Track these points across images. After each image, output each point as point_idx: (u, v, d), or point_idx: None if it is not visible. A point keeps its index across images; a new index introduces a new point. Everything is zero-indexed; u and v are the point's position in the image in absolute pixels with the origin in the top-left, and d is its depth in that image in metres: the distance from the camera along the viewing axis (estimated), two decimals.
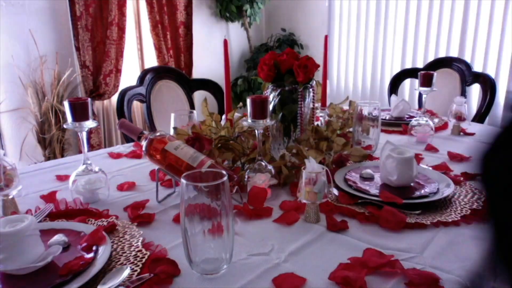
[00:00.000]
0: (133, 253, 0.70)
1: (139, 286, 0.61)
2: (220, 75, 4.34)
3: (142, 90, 1.85)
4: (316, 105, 1.35)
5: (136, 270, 0.65)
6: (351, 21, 3.56)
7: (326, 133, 1.19)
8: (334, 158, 1.10)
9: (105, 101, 2.98)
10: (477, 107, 2.14)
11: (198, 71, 3.56)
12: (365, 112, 1.23)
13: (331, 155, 1.10)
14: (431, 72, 1.38)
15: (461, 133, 1.51)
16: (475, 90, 2.84)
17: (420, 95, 2.25)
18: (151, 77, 1.89)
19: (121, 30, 2.90)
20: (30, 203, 0.94)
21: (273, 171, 0.97)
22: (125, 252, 0.70)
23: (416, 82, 1.48)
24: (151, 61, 3.28)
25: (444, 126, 1.61)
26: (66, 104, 0.88)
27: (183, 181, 0.60)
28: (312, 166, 0.80)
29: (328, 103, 1.45)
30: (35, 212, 0.87)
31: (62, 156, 2.63)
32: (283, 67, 1.17)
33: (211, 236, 0.62)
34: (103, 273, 0.64)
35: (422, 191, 0.91)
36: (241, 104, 3.58)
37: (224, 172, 0.62)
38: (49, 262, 0.63)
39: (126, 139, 1.69)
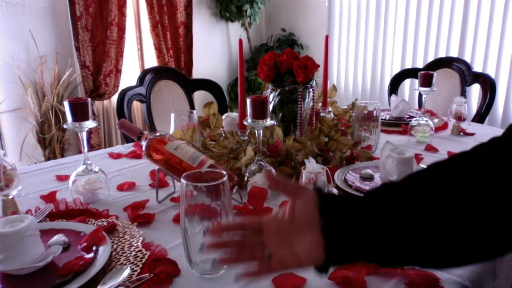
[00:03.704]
0: (133, 253, 0.70)
1: (139, 286, 0.61)
2: (220, 75, 4.34)
3: (142, 90, 1.85)
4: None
5: (136, 270, 0.65)
6: (351, 21, 3.56)
7: (331, 132, 1.20)
8: (347, 156, 1.11)
9: (105, 101, 2.98)
10: (477, 107, 2.14)
11: (198, 71, 3.56)
12: (365, 112, 1.24)
13: (334, 153, 1.11)
14: (431, 72, 1.38)
15: (461, 133, 1.52)
16: (475, 90, 2.84)
17: (420, 95, 2.25)
18: (151, 77, 1.89)
19: (121, 30, 2.90)
20: (30, 203, 0.94)
21: (273, 171, 0.97)
22: (125, 252, 0.70)
23: (416, 82, 1.48)
24: (151, 61, 3.28)
25: (444, 126, 1.61)
26: (66, 104, 0.88)
27: (183, 181, 0.60)
28: (312, 166, 0.80)
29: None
30: (35, 212, 0.87)
31: (62, 156, 2.63)
32: (283, 67, 1.17)
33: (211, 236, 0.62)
34: (103, 273, 0.64)
35: None
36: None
37: (224, 172, 0.62)
38: (49, 262, 0.63)
39: (126, 139, 1.69)
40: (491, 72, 2.81)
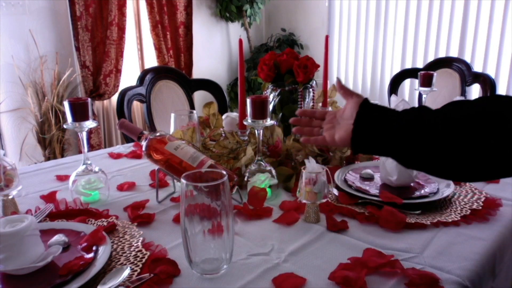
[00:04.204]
0: (133, 253, 0.70)
1: (139, 286, 0.61)
2: (220, 75, 4.34)
3: (142, 90, 1.85)
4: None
5: (136, 270, 0.65)
6: (351, 21, 3.56)
7: None
8: (347, 156, 1.11)
9: (105, 101, 2.98)
10: None
11: (198, 71, 3.56)
12: None
13: (334, 154, 1.11)
14: (431, 72, 1.38)
15: None
16: (475, 90, 2.84)
17: (420, 95, 2.24)
18: (151, 77, 1.89)
19: (121, 30, 2.90)
20: (30, 203, 0.94)
21: (273, 171, 0.97)
22: (125, 252, 0.70)
23: (416, 82, 1.48)
24: (151, 61, 3.28)
25: None
26: (66, 104, 0.88)
27: (183, 181, 0.60)
28: (312, 166, 0.80)
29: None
30: (35, 212, 0.87)
31: (62, 156, 2.63)
32: (283, 67, 1.17)
33: (211, 236, 0.62)
34: (103, 273, 0.64)
35: (422, 191, 0.91)
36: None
37: (224, 172, 0.62)
38: (49, 262, 0.63)
39: (126, 139, 1.69)
40: (491, 72, 2.81)
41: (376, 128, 0.70)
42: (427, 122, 0.66)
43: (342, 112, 0.77)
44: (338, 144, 0.77)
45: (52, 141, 2.59)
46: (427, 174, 0.74)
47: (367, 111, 0.72)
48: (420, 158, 0.67)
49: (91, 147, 2.82)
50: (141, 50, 3.27)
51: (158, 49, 3.24)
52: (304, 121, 0.85)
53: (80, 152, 2.17)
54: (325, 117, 0.81)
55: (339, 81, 0.80)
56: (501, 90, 2.80)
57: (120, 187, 1.03)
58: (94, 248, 0.68)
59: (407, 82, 3.11)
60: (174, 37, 3.32)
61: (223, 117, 1.32)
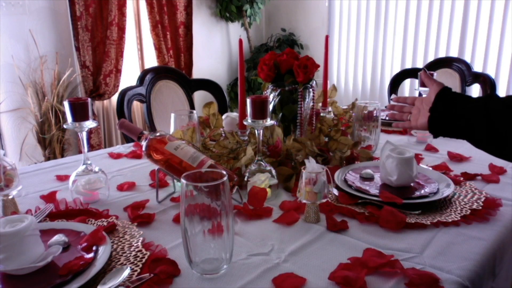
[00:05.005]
0: (133, 253, 0.70)
1: (139, 286, 0.61)
2: (220, 75, 4.34)
3: (142, 90, 1.85)
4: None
5: (136, 270, 0.64)
6: (351, 21, 3.57)
7: (331, 132, 1.20)
8: (347, 156, 1.11)
9: (105, 101, 2.98)
10: None
11: (198, 71, 3.56)
12: (365, 112, 1.24)
13: (334, 154, 1.11)
14: (431, 72, 1.38)
15: None
16: (475, 90, 2.84)
17: (420, 95, 2.25)
18: (151, 77, 1.89)
19: (121, 30, 2.91)
20: (30, 203, 0.94)
21: (273, 171, 0.97)
22: (125, 252, 0.70)
23: (416, 82, 1.48)
24: (151, 61, 3.29)
25: None
26: (66, 104, 0.88)
27: (183, 181, 0.60)
28: (312, 166, 0.80)
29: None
30: (35, 212, 0.87)
31: (62, 156, 2.63)
32: (283, 67, 1.17)
33: (211, 236, 0.62)
34: (103, 273, 0.64)
35: (422, 191, 0.91)
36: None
37: (224, 172, 0.62)
38: (49, 262, 0.63)
39: (126, 139, 1.69)
40: (491, 72, 2.82)
41: (449, 115, 0.82)
42: (494, 111, 0.76)
43: (425, 100, 0.89)
44: (420, 128, 0.90)
45: (52, 141, 2.59)
46: (495, 156, 0.81)
47: (443, 100, 0.84)
48: (488, 142, 0.78)
49: (91, 147, 2.82)
50: (141, 50, 3.27)
51: (158, 49, 3.24)
52: (397, 107, 0.99)
53: (80, 152, 2.17)
54: (415, 103, 0.93)
55: (424, 70, 0.93)
56: (501, 90, 2.80)
57: (120, 187, 1.03)
58: (94, 248, 0.68)
59: (407, 82, 3.11)
60: (174, 37, 3.32)
61: (223, 117, 1.32)
